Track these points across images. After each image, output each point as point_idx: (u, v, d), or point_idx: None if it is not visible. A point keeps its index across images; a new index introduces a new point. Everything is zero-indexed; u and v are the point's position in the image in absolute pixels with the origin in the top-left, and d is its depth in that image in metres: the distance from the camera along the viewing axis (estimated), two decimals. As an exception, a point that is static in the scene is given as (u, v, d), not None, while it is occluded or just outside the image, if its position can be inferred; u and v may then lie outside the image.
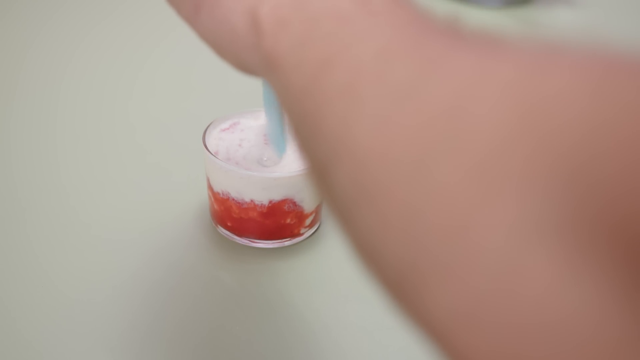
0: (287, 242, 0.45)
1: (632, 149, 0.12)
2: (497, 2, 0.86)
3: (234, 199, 0.43)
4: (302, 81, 0.20)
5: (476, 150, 0.14)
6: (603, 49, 0.14)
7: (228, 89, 0.65)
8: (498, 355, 0.14)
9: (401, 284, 0.16)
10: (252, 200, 0.42)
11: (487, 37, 0.17)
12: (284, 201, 0.42)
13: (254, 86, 0.66)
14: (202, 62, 0.70)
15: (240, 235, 0.44)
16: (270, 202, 0.42)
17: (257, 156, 0.44)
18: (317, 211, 0.45)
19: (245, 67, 0.26)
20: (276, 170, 0.43)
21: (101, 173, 0.52)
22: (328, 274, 0.44)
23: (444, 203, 0.15)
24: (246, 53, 0.25)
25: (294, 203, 0.43)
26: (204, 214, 0.48)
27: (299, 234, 0.45)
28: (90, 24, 0.77)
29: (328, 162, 0.19)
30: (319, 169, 0.20)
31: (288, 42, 0.22)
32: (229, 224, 0.44)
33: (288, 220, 0.44)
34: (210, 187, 0.45)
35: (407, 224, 0.16)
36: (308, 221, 0.45)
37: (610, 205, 0.12)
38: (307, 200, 0.43)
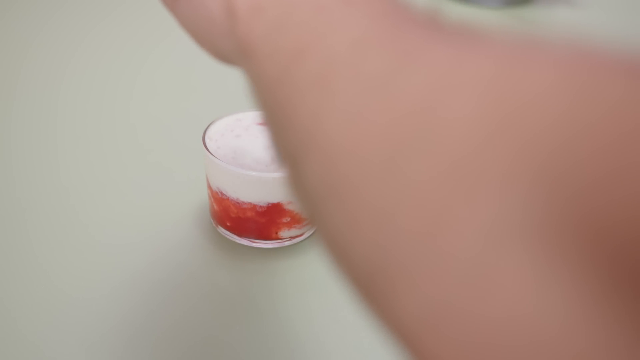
0: (287, 242, 0.45)
1: (612, 151, 0.11)
2: (497, 2, 0.86)
3: (233, 199, 0.43)
4: (274, 70, 0.20)
5: (450, 149, 0.14)
6: (588, 46, 0.14)
7: (228, 89, 0.65)
8: (465, 356, 0.13)
9: (369, 285, 0.16)
10: (251, 200, 0.42)
11: (468, 31, 0.17)
12: (283, 201, 0.42)
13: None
14: (203, 62, 0.70)
15: (240, 235, 0.44)
16: (269, 202, 0.42)
17: (257, 156, 0.44)
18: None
19: (222, 55, 0.26)
20: (276, 171, 0.43)
21: (101, 173, 0.52)
22: (328, 274, 0.44)
23: (415, 203, 0.14)
24: (222, 40, 0.25)
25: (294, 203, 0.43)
26: (204, 214, 0.48)
27: (300, 235, 0.45)
28: (90, 24, 0.77)
29: (298, 155, 0.18)
30: (290, 161, 0.19)
31: (262, 29, 0.21)
32: (228, 223, 0.44)
33: (284, 220, 0.44)
34: (210, 187, 0.45)
35: (376, 224, 0.15)
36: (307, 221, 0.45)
37: (578, 201, 0.11)
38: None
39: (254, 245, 0.45)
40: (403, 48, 0.16)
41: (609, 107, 0.12)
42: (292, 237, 0.45)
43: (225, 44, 0.25)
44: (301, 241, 0.46)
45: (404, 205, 0.14)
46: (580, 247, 0.12)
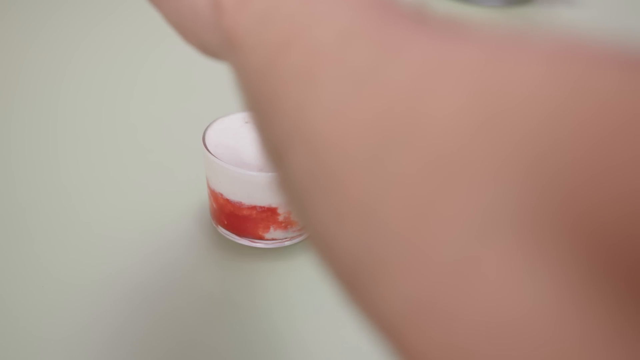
0: (287, 242, 0.45)
1: (603, 143, 0.11)
2: (497, 2, 0.86)
3: (233, 199, 0.43)
4: (259, 62, 0.20)
5: (435, 141, 0.14)
6: (580, 40, 0.14)
7: (228, 89, 0.65)
8: (448, 351, 0.13)
9: (353, 280, 0.16)
10: (251, 200, 0.42)
11: (454, 24, 0.16)
12: (282, 201, 0.42)
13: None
14: (203, 62, 0.70)
15: (239, 234, 0.45)
16: (268, 202, 0.42)
17: (257, 156, 0.44)
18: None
19: (207, 48, 0.26)
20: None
21: (101, 172, 0.52)
22: (326, 275, 0.44)
23: (398, 197, 0.14)
24: (207, 33, 0.24)
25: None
26: (204, 213, 0.48)
27: (299, 235, 0.45)
28: (91, 24, 0.77)
29: (283, 148, 0.18)
30: (275, 155, 0.19)
31: (247, 21, 0.21)
32: (227, 223, 0.44)
33: (284, 220, 0.44)
34: (209, 187, 0.45)
35: (359, 218, 0.15)
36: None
37: (571, 197, 0.11)
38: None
39: (254, 245, 0.45)
40: (389, 40, 0.16)
41: (600, 99, 0.12)
42: (291, 238, 0.45)
43: (210, 37, 0.25)
44: (300, 241, 0.46)
45: (386, 199, 0.14)
46: (567, 241, 0.11)
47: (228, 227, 0.45)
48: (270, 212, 0.43)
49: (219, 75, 0.67)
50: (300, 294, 0.42)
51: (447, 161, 0.13)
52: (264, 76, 0.19)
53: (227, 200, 0.43)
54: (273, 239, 0.44)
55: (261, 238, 0.44)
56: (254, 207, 0.43)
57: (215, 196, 0.44)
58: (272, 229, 0.44)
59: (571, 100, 0.12)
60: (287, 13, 0.19)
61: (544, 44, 0.14)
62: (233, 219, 0.44)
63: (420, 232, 0.13)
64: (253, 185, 0.42)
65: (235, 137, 0.46)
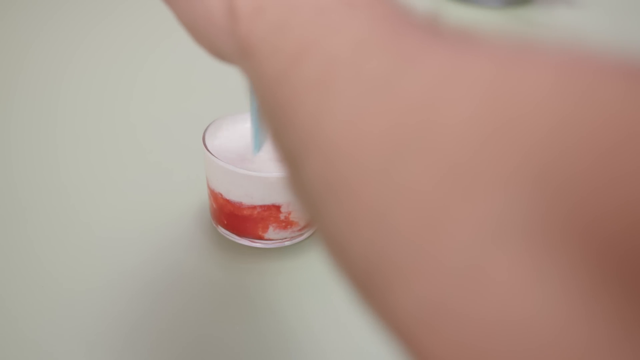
0: (287, 242, 0.45)
1: (610, 154, 0.11)
2: (497, 2, 0.86)
3: (233, 199, 0.43)
4: (275, 70, 0.20)
5: (447, 150, 0.14)
6: (587, 49, 0.14)
7: (228, 89, 0.65)
8: (461, 353, 0.13)
9: (367, 284, 0.16)
10: (250, 200, 0.42)
11: (466, 34, 0.17)
12: (283, 201, 0.43)
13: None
14: (203, 62, 0.70)
15: (239, 234, 0.45)
16: (268, 202, 0.42)
17: (257, 156, 0.44)
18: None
19: (220, 53, 0.26)
20: (275, 171, 0.43)
21: (101, 172, 0.52)
22: (327, 275, 0.44)
23: (410, 204, 0.14)
24: (221, 39, 0.25)
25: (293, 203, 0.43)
26: (204, 213, 0.48)
27: (299, 235, 0.45)
28: (91, 24, 0.77)
29: (298, 155, 0.18)
30: (290, 161, 0.19)
31: (263, 30, 0.21)
32: (227, 223, 0.44)
33: (284, 220, 0.44)
34: (209, 187, 0.45)
35: (373, 224, 0.15)
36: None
37: (579, 205, 0.12)
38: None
39: (254, 245, 0.45)
40: (403, 50, 0.17)
41: (607, 109, 0.12)
42: (291, 238, 0.45)
43: (223, 43, 0.25)
44: (301, 241, 0.46)
45: (399, 206, 0.14)
46: (576, 247, 0.12)
47: (228, 227, 0.45)
48: (270, 212, 0.43)
49: (218, 75, 0.67)
50: (301, 293, 0.42)
51: (458, 170, 0.14)
52: (279, 85, 0.19)
53: (227, 200, 0.43)
54: (273, 239, 0.44)
55: (261, 238, 0.44)
56: (253, 207, 0.43)
57: (215, 196, 0.44)
58: (271, 229, 0.44)
59: (579, 110, 0.12)
60: (302, 23, 0.20)
61: (553, 54, 0.14)
62: (233, 219, 0.44)
63: (432, 239, 0.14)
64: (253, 185, 0.42)
65: (235, 137, 0.46)
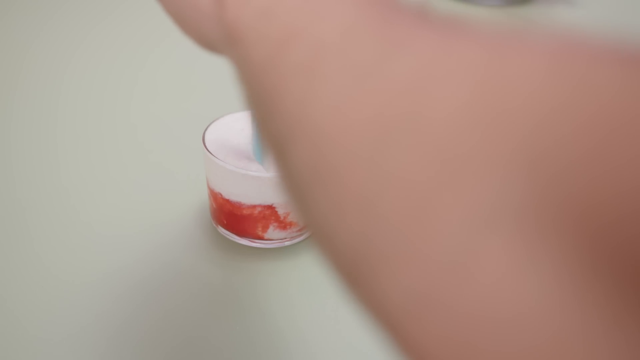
0: (287, 242, 0.45)
1: (593, 135, 0.11)
2: (497, 1, 0.86)
3: (233, 198, 0.43)
4: (261, 57, 0.20)
5: (436, 135, 0.14)
6: (580, 36, 0.14)
7: (228, 89, 0.65)
8: (448, 344, 0.13)
9: (354, 272, 0.16)
10: (250, 200, 0.42)
11: (456, 21, 0.17)
12: (283, 201, 0.43)
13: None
14: (203, 62, 0.70)
15: (239, 234, 0.45)
16: (268, 201, 0.42)
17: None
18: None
19: (207, 42, 0.26)
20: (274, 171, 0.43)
21: (102, 172, 0.52)
22: (327, 274, 0.44)
23: (397, 190, 0.14)
24: (208, 26, 0.25)
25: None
26: (204, 213, 0.48)
27: (299, 235, 0.45)
28: (91, 24, 0.77)
29: (284, 142, 0.18)
30: (276, 149, 0.19)
31: (249, 16, 0.21)
32: (227, 222, 0.45)
33: (284, 219, 0.44)
34: (209, 187, 0.45)
35: (359, 211, 0.15)
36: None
37: (573, 193, 0.11)
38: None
39: (254, 245, 0.45)
40: (392, 36, 0.16)
41: (602, 96, 0.12)
42: (291, 238, 0.45)
43: (211, 31, 0.25)
44: (300, 241, 0.46)
45: (386, 193, 0.14)
46: (570, 236, 0.12)
47: (228, 227, 0.45)
48: (270, 212, 0.43)
49: (218, 75, 0.68)
50: (300, 293, 0.42)
51: (448, 156, 0.13)
52: (266, 71, 0.19)
53: (227, 200, 0.43)
54: (272, 239, 0.44)
55: (261, 238, 0.44)
56: (253, 207, 0.43)
57: (214, 196, 0.44)
58: (271, 229, 0.44)
59: (573, 98, 0.12)
60: (289, 8, 0.20)
61: (547, 41, 0.14)
62: (233, 218, 0.44)
63: (420, 226, 0.14)
64: (252, 185, 0.42)
65: (235, 137, 0.46)
